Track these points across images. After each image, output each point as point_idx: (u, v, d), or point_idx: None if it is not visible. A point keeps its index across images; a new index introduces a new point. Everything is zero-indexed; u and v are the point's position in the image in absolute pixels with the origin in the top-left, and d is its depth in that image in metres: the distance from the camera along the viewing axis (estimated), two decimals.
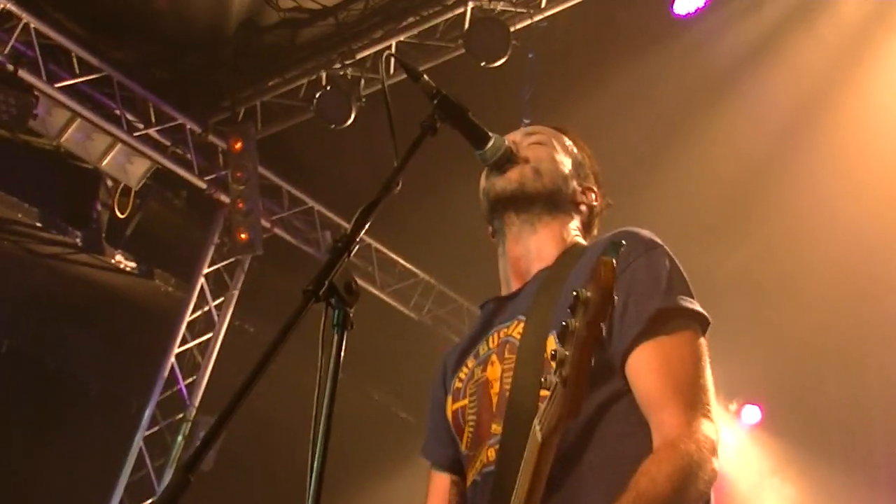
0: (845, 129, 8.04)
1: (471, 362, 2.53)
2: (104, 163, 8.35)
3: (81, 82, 8.02)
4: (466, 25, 7.66)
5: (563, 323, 1.81)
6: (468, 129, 2.46)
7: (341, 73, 8.11)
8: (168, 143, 8.61)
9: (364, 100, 8.06)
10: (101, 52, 8.12)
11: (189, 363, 9.01)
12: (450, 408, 2.53)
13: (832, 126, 8.05)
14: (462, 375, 2.53)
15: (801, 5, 7.67)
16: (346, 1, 8.02)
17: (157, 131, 8.53)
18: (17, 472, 8.77)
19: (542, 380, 1.90)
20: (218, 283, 9.19)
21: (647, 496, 2.01)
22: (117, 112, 8.25)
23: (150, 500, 8.41)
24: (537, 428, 1.89)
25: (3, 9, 7.40)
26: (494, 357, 2.43)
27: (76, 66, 7.97)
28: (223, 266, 9.16)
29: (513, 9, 7.61)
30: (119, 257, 8.99)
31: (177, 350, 8.91)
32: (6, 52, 7.48)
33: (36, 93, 7.62)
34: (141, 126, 8.43)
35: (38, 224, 8.54)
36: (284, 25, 8.21)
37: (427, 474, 2.65)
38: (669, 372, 2.20)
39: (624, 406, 2.24)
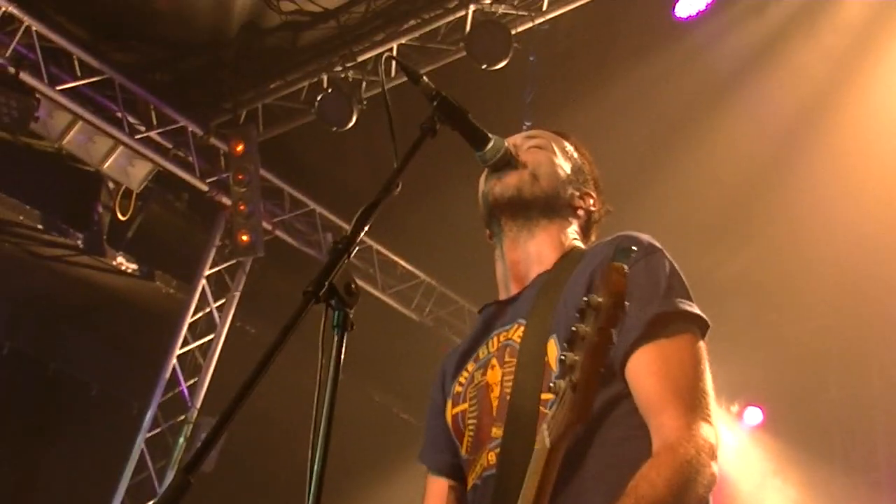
0: (846, 132, 8.03)
1: (470, 366, 2.53)
2: (105, 165, 8.36)
3: (83, 85, 8.03)
4: (468, 28, 7.66)
5: (573, 328, 1.81)
6: (468, 130, 2.47)
7: (342, 75, 8.12)
8: (169, 146, 8.62)
9: (365, 102, 8.08)
10: (103, 54, 8.13)
11: (190, 365, 9.02)
12: (449, 412, 2.53)
13: (833, 129, 8.05)
14: (462, 379, 2.53)
15: (803, 8, 7.67)
16: (347, 3, 8.02)
17: (159, 134, 8.53)
18: (19, 473, 8.78)
19: (551, 385, 1.89)
20: (219, 285, 9.20)
21: (646, 500, 2.01)
22: (119, 114, 8.25)
23: (151, 502, 8.41)
24: (545, 433, 1.89)
25: (4, 12, 7.40)
26: (494, 361, 2.44)
27: (77, 68, 7.97)
28: (224, 268, 9.17)
29: (514, 11, 7.62)
30: (120, 259, 8.99)
31: (178, 351, 8.92)
32: (7, 54, 7.49)
33: (37, 95, 7.62)
34: (142, 128, 8.44)
35: (40, 226, 8.54)
36: (286, 28, 8.21)
37: (425, 478, 2.65)
38: (669, 375, 2.20)
39: (624, 409, 2.24)
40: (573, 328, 1.82)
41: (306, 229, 9.41)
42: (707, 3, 7.36)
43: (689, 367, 2.23)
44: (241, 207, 8.60)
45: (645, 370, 2.21)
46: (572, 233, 2.61)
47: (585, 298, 1.81)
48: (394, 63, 7.11)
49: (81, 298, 9.11)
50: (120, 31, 8.22)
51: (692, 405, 2.18)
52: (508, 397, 2.31)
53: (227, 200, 8.81)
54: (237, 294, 9.16)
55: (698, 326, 2.30)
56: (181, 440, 8.68)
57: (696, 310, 2.30)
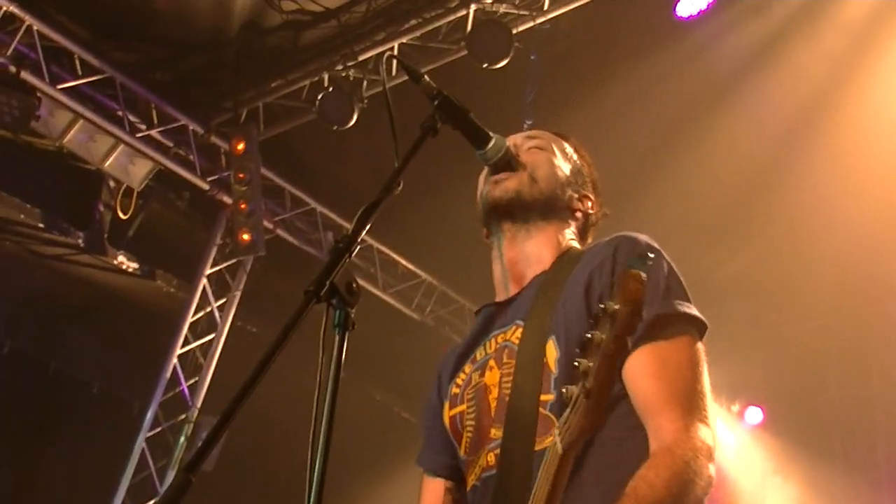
0: (846, 132, 8.03)
1: (468, 368, 2.53)
2: (106, 164, 8.36)
3: (84, 84, 8.03)
4: (469, 27, 7.66)
5: (588, 335, 1.81)
6: (469, 129, 2.47)
7: (343, 74, 8.12)
8: (170, 145, 8.62)
9: (366, 101, 8.08)
10: (104, 53, 8.13)
11: (191, 364, 9.03)
12: (447, 413, 2.53)
13: (833, 129, 8.05)
14: (459, 381, 2.53)
15: (803, 8, 7.67)
16: (348, 3, 8.02)
17: (160, 132, 8.54)
18: (19, 473, 8.78)
19: (563, 390, 1.89)
20: (220, 284, 9.20)
21: (645, 501, 2.02)
22: (119, 113, 8.25)
23: (152, 501, 8.42)
24: (557, 438, 1.89)
25: (5, 11, 7.40)
26: (493, 362, 2.44)
27: (78, 67, 7.98)
28: (225, 267, 9.17)
29: (515, 11, 7.61)
30: (121, 258, 9.00)
31: (179, 351, 8.93)
32: (9, 53, 7.49)
33: (38, 94, 7.63)
34: (143, 127, 8.44)
35: (41, 225, 8.55)
36: (287, 27, 8.21)
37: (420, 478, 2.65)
38: (667, 377, 2.20)
39: (622, 410, 2.24)
40: (588, 335, 1.81)
41: (307, 228, 9.41)
42: (708, 2, 7.36)
43: (687, 369, 2.24)
44: (242, 206, 8.60)
45: (643, 372, 2.21)
46: (570, 234, 2.62)
47: (602, 305, 1.80)
48: (395, 62, 7.12)
49: (82, 297, 9.11)
50: (121, 30, 8.22)
51: (690, 407, 2.18)
52: (507, 398, 2.32)
53: (227, 199, 8.82)
54: (238, 293, 9.16)
55: (696, 328, 2.31)
56: (182, 439, 8.68)
57: (694, 311, 2.30)
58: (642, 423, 2.21)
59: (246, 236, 8.61)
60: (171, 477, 8.55)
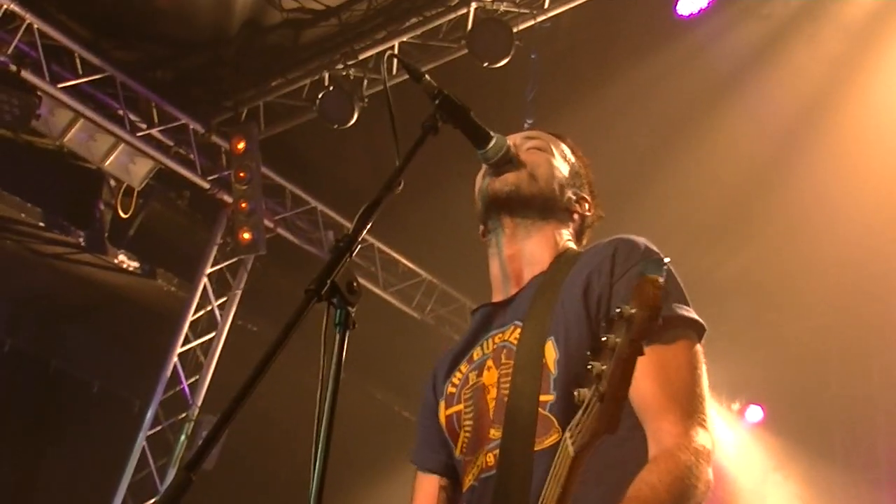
0: (846, 132, 8.04)
1: (464, 367, 2.53)
2: (107, 163, 8.36)
3: (84, 83, 8.03)
4: (469, 26, 7.66)
5: (603, 339, 1.81)
6: (470, 128, 2.47)
7: (344, 73, 8.11)
8: (171, 144, 8.62)
9: (367, 100, 8.07)
10: (104, 52, 8.13)
11: (192, 363, 9.03)
12: (443, 413, 2.53)
13: (834, 129, 8.05)
14: (455, 380, 2.53)
15: (803, 8, 7.66)
16: (349, 1, 8.02)
17: (160, 131, 8.54)
18: (20, 472, 8.79)
19: (575, 393, 1.89)
20: (221, 283, 9.20)
21: (649, 503, 2.03)
22: (120, 112, 8.25)
23: (153, 500, 8.43)
24: (569, 441, 1.89)
25: (6, 10, 7.40)
26: (490, 362, 2.44)
27: (79, 66, 7.98)
28: (226, 266, 9.17)
29: (516, 9, 7.61)
30: (122, 257, 9.00)
31: (179, 349, 8.93)
32: (9, 52, 7.49)
33: (39, 93, 7.63)
34: (144, 126, 8.44)
35: (41, 224, 8.55)
36: (287, 26, 8.21)
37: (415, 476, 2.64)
38: (667, 380, 2.21)
39: (622, 412, 2.24)
40: (603, 338, 1.81)
41: (308, 227, 9.41)
42: (709, 1, 7.36)
43: (687, 372, 2.24)
44: (243, 205, 8.60)
45: (642, 374, 2.20)
46: (567, 235, 2.63)
47: (618, 309, 1.80)
48: (395, 61, 7.13)
49: (83, 296, 9.12)
50: (121, 29, 8.23)
51: (690, 411, 2.19)
52: (506, 399, 2.32)
53: (228, 198, 8.82)
54: (238, 292, 9.17)
55: (695, 331, 2.31)
56: (182, 438, 8.68)
57: (693, 315, 2.31)
58: (639, 424, 2.21)
59: (246, 235, 8.61)
60: (171, 475, 8.56)
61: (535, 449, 2.22)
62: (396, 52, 7.89)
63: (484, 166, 2.61)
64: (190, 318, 9.00)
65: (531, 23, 7.61)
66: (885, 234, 8.40)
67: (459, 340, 2.67)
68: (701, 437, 2.16)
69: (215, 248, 9.08)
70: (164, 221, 9.25)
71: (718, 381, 8.96)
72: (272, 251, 8.83)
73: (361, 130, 8.07)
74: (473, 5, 7.61)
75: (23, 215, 8.42)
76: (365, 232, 2.12)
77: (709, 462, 2.15)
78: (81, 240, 8.77)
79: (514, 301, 2.51)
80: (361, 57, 8.10)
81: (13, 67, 7.45)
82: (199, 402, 8.86)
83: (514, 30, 7.48)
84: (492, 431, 2.34)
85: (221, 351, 9.02)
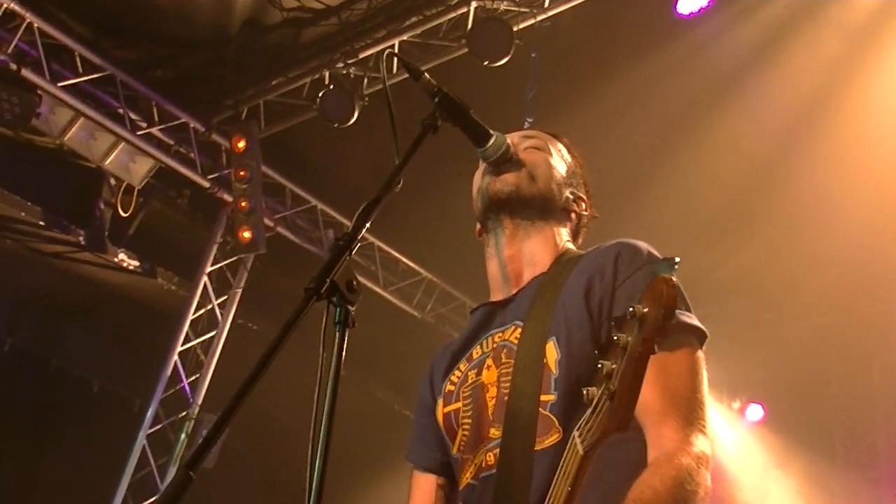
0: (847, 131, 8.03)
1: (463, 366, 2.53)
2: (107, 161, 8.36)
3: (84, 81, 8.03)
4: (469, 25, 7.66)
5: (615, 337, 1.81)
6: (469, 127, 2.47)
7: (344, 72, 8.12)
8: (171, 142, 8.62)
9: (367, 99, 8.08)
10: (105, 51, 8.13)
11: (192, 361, 9.03)
12: (440, 410, 2.53)
13: (833, 128, 8.05)
14: (454, 378, 2.53)
15: (804, 7, 7.66)
16: (349, 0, 8.03)
17: (161, 130, 8.54)
18: (21, 470, 8.80)
19: (584, 391, 1.90)
20: (221, 282, 9.20)
21: None
22: (120, 111, 8.25)
23: (153, 498, 8.43)
24: (577, 440, 1.89)
25: (6, 8, 7.40)
26: (490, 361, 2.44)
27: (79, 65, 7.98)
28: (226, 264, 9.17)
29: (516, 8, 7.61)
30: (122, 256, 9.00)
31: (180, 348, 8.94)
32: (9, 51, 7.48)
33: (39, 92, 7.62)
34: (144, 125, 8.44)
35: (41, 223, 8.55)
36: (287, 24, 8.21)
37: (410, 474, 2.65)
38: (668, 386, 2.22)
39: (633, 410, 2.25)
40: (615, 337, 1.81)
41: (308, 226, 9.41)
42: None
43: (688, 378, 2.26)
44: (243, 204, 8.60)
45: (644, 380, 2.22)
46: (565, 235, 2.63)
47: (631, 308, 1.80)
48: (395, 59, 7.12)
49: (83, 295, 9.12)
50: (121, 27, 8.23)
51: (690, 417, 2.21)
52: (506, 398, 2.32)
53: (228, 197, 8.82)
54: (239, 291, 9.17)
55: (697, 338, 2.32)
56: (182, 436, 8.69)
57: (695, 321, 2.32)
58: (638, 426, 2.22)
59: (246, 234, 8.61)
60: (171, 474, 8.57)
61: (536, 448, 2.22)
62: (396, 50, 7.88)
63: (482, 165, 2.61)
64: (190, 316, 9.01)
65: (531, 22, 7.61)
66: (885, 233, 8.40)
67: (458, 338, 2.67)
68: (701, 443, 2.18)
69: (215, 247, 9.08)
70: (165, 220, 9.25)
71: (719, 379, 8.97)
72: (272, 250, 8.84)
73: (361, 129, 8.07)
74: (473, 4, 7.61)
75: (23, 214, 8.42)
76: (365, 230, 2.12)
77: (708, 468, 2.17)
78: (81, 238, 8.77)
79: (513, 301, 2.51)
80: (362, 56, 8.10)
81: (13, 66, 7.45)
82: (200, 401, 8.87)
83: (515, 29, 7.48)
84: (491, 430, 2.34)
85: (222, 349, 9.03)
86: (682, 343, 2.28)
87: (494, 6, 7.58)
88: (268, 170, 8.87)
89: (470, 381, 2.47)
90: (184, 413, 8.82)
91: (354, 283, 1.97)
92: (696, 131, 8.22)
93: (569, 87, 8.38)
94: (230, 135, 8.69)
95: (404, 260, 9.77)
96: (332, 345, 1.90)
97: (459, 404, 2.47)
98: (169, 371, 8.83)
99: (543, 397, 2.26)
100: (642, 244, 2.41)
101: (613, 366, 1.81)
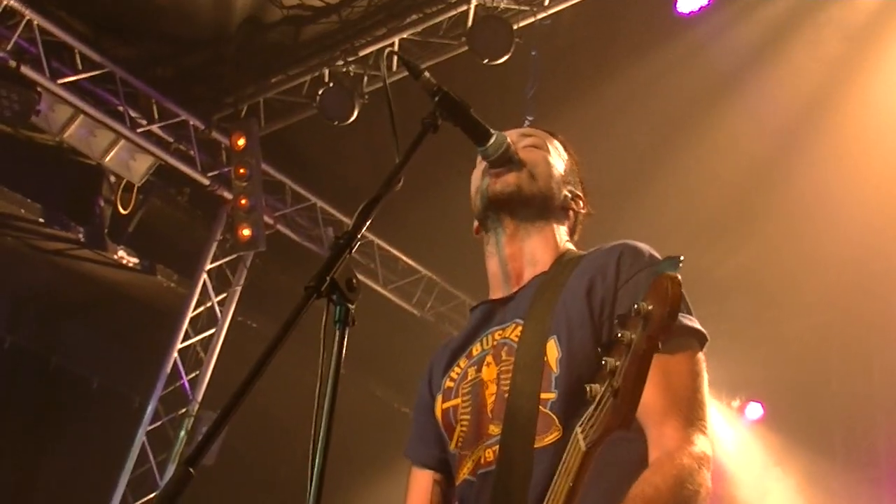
0: (847, 130, 8.04)
1: (463, 362, 2.53)
2: (107, 159, 8.36)
3: (84, 79, 8.03)
4: (469, 23, 7.67)
5: (619, 335, 1.81)
6: (469, 125, 2.47)
7: (344, 70, 8.12)
8: (171, 140, 8.61)
9: (367, 97, 8.08)
10: (104, 48, 8.12)
11: (192, 358, 9.04)
12: (439, 406, 2.53)
13: (833, 127, 8.05)
14: (453, 375, 2.53)
15: (804, 6, 7.66)
16: None
17: (160, 128, 8.54)
18: (20, 467, 8.80)
19: (588, 388, 1.90)
20: (220, 279, 9.21)
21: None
22: (120, 108, 8.25)
23: (152, 495, 8.44)
24: (580, 436, 1.89)
25: (5, 6, 7.40)
26: (490, 358, 2.44)
27: (79, 62, 7.98)
28: (226, 262, 9.18)
29: (516, 6, 7.62)
30: (122, 253, 9.00)
31: (179, 345, 8.94)
32: (9, 48, 7.48)
33: (39, 89, 7.62)
34: (144, 122, 8.44)
35: (41, 220, 8.55)
36: (287, 22, 8.21)
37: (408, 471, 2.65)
38: (670, 386, 2.23)
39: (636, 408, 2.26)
40: (618, 334, 1.82)
41: (308, 224, 9.41)
42: None
43: (689, 380, 2.27)
44: (243, 202, 8.60)
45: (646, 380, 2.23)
46: (564, 234, 2.64)
47: (636, 306, 1.80)
48: (395, 58, 7.12)
49: (82, 292, 9.12)
50: (121, 25, 8.22)
51: (691, 418, 2.22)
52: (506, 396, 2.32)
53: (228, 194, 8.82)
54: (238, 288, 9.17)
55: (698, 340, 2.34)
56: (182, 433, 8.70)
57: (696, 324, 2.33)
58: (640, 426, 2.22)
59: (246, 232, 8.61)
60: (171, 471, 8.57)
61: (536, 446, 2.23)
62: (396, 48, 7.89)
63: (480, 163, 2.61)
64: (190, 314, 9.01)
65: (531, 20, 7.62)
66: (885, 232, 8.40)
67: (457, 336, 2.67)
68: (702, 443, 2.19)
69: (215, 245, 9.08)
70: (164, 218, 9.25)
71: (718, 378, 8.96)
72: (272, 248, 8.84)
73: (361, 127, 8.07)
74: (474, 2, 7.61)
75: (22, 211, 8.42)
76: (365, 229, 2.12)
77: (709, 468, 2.18)
78: (81, 236, 8.77)
79: (514, 299, 2.51)
80: (361, 54, 8.11)
81: (13, 63, 7.45)
82: (199, 398, 8.87)
83: (515, 27, 7.48)
84: (491, 427, 2.34)
85: (221, 347, 9.04)
86: (683, 345, 2.29)
87: (494, 4, 7.58)
88: (268, 167, 8.87)
89: (469, 378, 2.47)
90: (183, 410, 8.83)
91: (354, 281, 1.97)
92: (696, 130, 8.22)
93: (569, 85, 8.38)
94: (230, 132, 8.69)
95: (404, 258, 9.77)
96: (332, 343, 1.90)
97: (458, 400, 2.47)
98: (168, 368, 8.84)
99: (544, 395, 2.27)
100: (644, 246, 2.41)
101: (617, 363, 1.81)
